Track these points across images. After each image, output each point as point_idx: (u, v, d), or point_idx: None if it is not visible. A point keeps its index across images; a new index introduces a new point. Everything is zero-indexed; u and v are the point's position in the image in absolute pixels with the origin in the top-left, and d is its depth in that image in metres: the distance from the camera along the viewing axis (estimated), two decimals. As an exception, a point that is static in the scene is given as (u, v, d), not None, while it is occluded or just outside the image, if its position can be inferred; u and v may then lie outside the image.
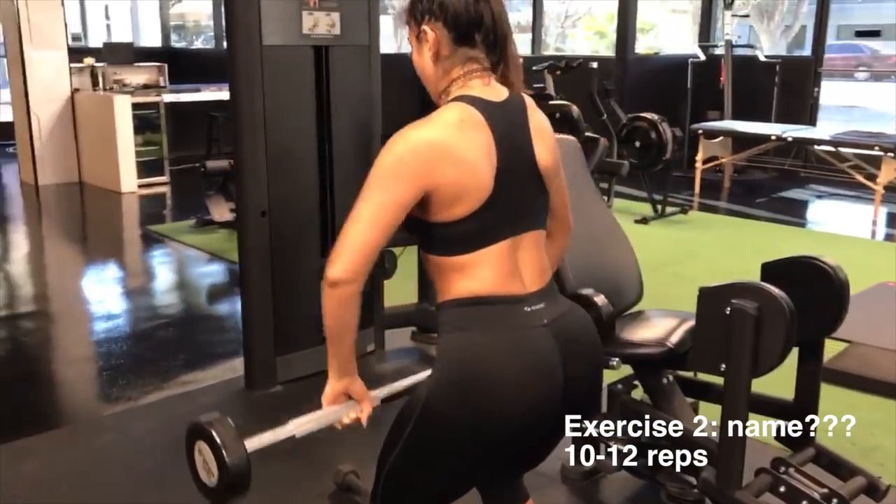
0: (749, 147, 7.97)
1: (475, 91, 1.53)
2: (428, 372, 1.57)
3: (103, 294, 5.10)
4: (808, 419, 2.45)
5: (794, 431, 2.46)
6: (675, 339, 2.42)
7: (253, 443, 1.48)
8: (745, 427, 2.16)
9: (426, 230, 1.51)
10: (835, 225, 6.91)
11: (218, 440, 1.42)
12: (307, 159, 3.40)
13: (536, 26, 10.00)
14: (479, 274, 1.51)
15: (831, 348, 3.60)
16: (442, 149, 1.45)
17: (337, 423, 1.61)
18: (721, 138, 7.94)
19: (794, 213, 7.25)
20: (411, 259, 3.35)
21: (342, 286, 1.44)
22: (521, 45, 11.18)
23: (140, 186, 7.85)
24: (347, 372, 1.57)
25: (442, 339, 1.53)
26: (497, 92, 1.56)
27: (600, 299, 2.04)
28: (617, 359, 2.44)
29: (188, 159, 7.74)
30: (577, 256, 2.59)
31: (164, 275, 5.69)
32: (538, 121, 1.60)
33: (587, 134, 5.36)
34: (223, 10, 3.30)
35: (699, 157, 7.80)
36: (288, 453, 2.84)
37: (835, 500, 2.21)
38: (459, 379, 1.49)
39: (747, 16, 9.89)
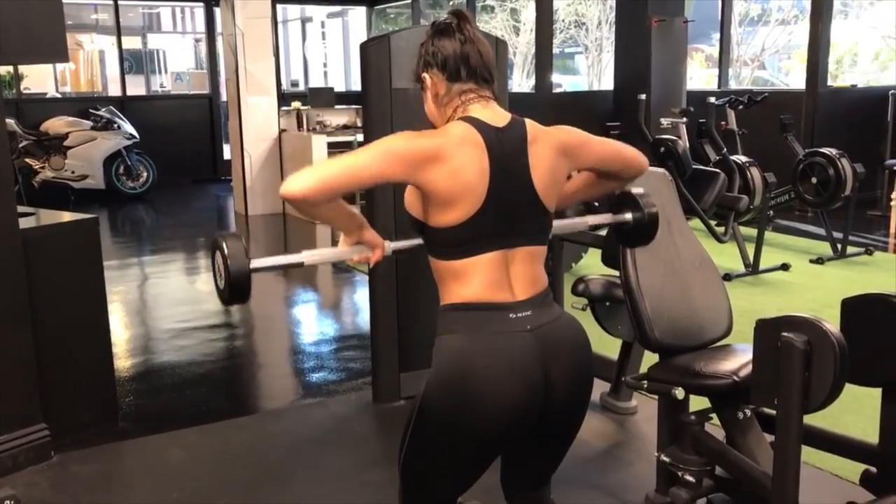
0: (958, 185, 7.30)
1: (476, 113, 1.72)
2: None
3: (273, 313, 5.66)
4: (891, 465, 2.34)
5: (878, 477, 2.37)
6: (743, 372, 2.39)
7: (258, 261, 1.68)
8: (796, 463, 2.12)
9: (427, 233, 1.72)
10: None
11: (227, 251, 1.63)
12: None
13: (723, 60, 9.74)
14: (470, 281, 1.68)
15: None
16: (441, 155, 1.64)
17: (348, 261, 1.81)
18: (923, 175, 7.34)
19: None
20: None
21: (296, 203, 1.56)
22: (713, 80, 10.91)
23: (333, 218, 8.54)
24: (353, 228, 1.74)
25: (436, 340, 1.72)
26: (499, 117, 1.74)
27: (646, 199, 2.10)
28: (680, 388, 2.46)
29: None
30: (655, 287, 2.64)
31: (332, 298, 6.20)
32: (539, 146, 1.73)
33: (702, 168, 5.23)
34: (359, 57, 3.66)
35: (895, 194, 7.25)
36: (393, 460, 3.11)
37: (905, 553, 2.10)
38: (446, 377, 1.67)
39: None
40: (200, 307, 5.72)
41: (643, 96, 6.36)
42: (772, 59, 15.86)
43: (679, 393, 2.45)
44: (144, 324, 5.38)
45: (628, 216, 2.12)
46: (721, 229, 5.89)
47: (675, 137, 5.54)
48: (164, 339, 4.86)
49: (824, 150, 6.20)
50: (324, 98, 9.54)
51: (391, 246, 1.83)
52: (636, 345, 3.47)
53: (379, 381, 3.76)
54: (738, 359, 2.51)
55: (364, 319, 5.40)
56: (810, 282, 5.76)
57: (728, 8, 9.86)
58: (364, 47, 3.58)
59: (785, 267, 5.92)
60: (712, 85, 10.68)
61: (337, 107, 9.64)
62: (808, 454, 2.20)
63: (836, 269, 6.11)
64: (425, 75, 1.78)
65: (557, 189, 1.78)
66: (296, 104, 9.28)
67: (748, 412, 2.52)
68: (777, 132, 6.99)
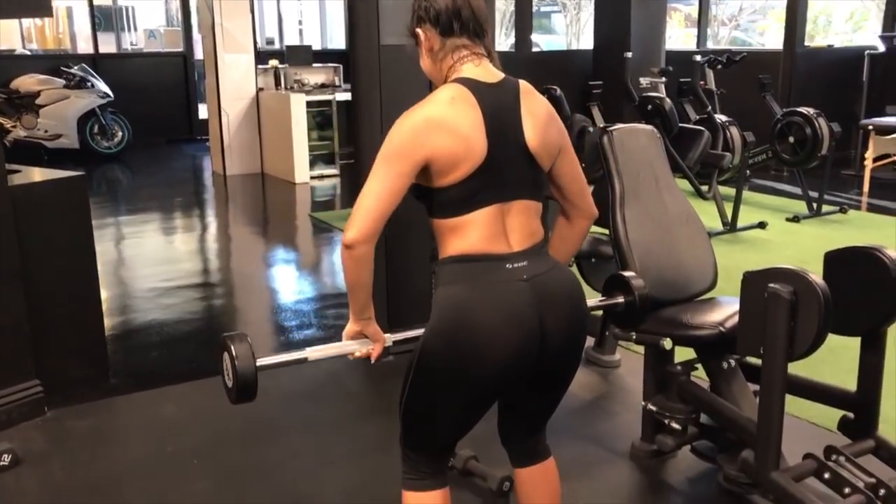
0: (930, 144, 7.43)
1: (467, 73, 1.75)
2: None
3: (259, 272, 5.70)
4: (869, 411, 2.45)
5: (855, 422, 2.47)
6: (729, 323, 2.48)
7: (264, 360, 1.75)
8: (781, 409, 2.21)
9: (429, 196, 1.75)
10: None
11: (234, 353, 1.70)
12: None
13: (702, 20, 9.77)
14: (468, 234, 1.73)
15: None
16: (437, 122, 1.68)
17: (350, 355, 1.86)
18: (897, 135, 7.46)
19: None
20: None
21: (357, 247, 1.68)
22: (692, 40, 10.94)
23: (312, 178, 8.53)
24: (364, 316, 1.81)
25: (436, 292, 1.77)
26: (490, 74, 1.77)
27: (636, 282, 2.17)
28: (668, 339, 2.54)
29: (359, 153, 8.28)
30: (643, 241, 2.71)
31: (316, 258, 6.22)
32: (531, 103, 1.78)
33: (687, 125, 5.31)
34: (346, 13, 3.65)
35: (869, 154, 7.37)
36: (383, 413, 3.19)
37: (882, 491, 2.20)
38: (446, 326, 1.72)
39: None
40: (182, 266, 5.73)
41: (630, 54, 6.38)
42: (748, 19, 15.89)
43: (667, 343, 2.53)
44: (128, 283, 5.37)
45: (620, 299, 2.19)
46: (705, 187, 5.98)
47: (662, 95, 5.59)
48: (148, 298, 4.87)
49: (802, 109, 6.27)
50: (301, 56, 9.42)
51: (391, 339, 1.89)
52: (621, 300, 3.54)
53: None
54: (724, 310, 2.59)
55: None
56: (787, 239, 5.88)
57: (707, -33, 9.86)
58: (352, 3, 3.58)
59: (762, 225, 6.03)
60: (691, 45, 10.73)
61: (315, 65, 9.54)
62: (788, 404, 2.28)
63: (812, 227, 6.24)
64: (419, 30, 1.80)
65: (550, 153, 1.81)
66: (273, 62, 9.17)
67: (732, 362, 2.61)
68: (754, 92, 7.06)
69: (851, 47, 9.24)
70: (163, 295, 4.93)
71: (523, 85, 1.80)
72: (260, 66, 8.98)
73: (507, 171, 1.73)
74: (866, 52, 8.35)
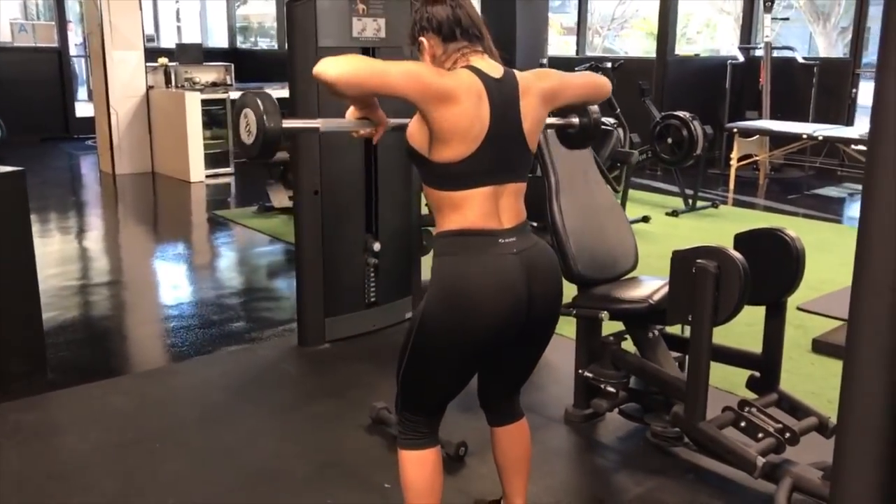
0: (784, 146, 8.25)
1: (476, 63, 1.99)
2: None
3: (173, 269, 5.72)
4: (772, 369, 2.86)
5: (761, 380, 2.89)
6: (656, 297, 2.84)
7: (287, 122, 1.94)
8: (707, 367, 2.58)
9: (426, 166, 1.98)
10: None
11: (262, 108, 1.84)
12: (355, 146, 3.89)
13: (581, 29, 10.37)
14: (465, 211, 1.98)
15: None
16: (455, 97, 1.90)
17: (354, 133, 2.13)
18: (757, 137, 8.24)
19: (824, 209, 7.50)
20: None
21: (324, 84, 1.81)
22: (569, 46, 11.55)
23: (207, 177, 8.50)
24: (366, 107, 2.07)
25: (435, 262, 2.02)
26: (494, 68, 2.01)
27: (593, 107, 2.40)
28: (605, 312, 2.88)
29: (252, 152, 8.31)
30: (577, 228, 3.03)
31: (228, 253, 6.28)
32: (530, 97, 2.02)
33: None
34: (285, 15, 3.82)
35: (734, 154, 8.10)
36: (331, 395, 3.39)
37: (787, 434, 2.60)
38: (446, 293, 1.97)
39: (787, 19, 10.10)
40: (90, 265, 5.69)
41: (544, 60, 6.78)
42: (612, 29, 16.80)
43: (605, 316, 2.87)
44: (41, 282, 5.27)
45: (575, 120, 2.42)
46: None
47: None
48: (65, 297, 4.82)
49: (679, 113, 6.85)
50: (192, 55, 9.33)
51: (391, 123, 2.15)
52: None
53: (304, 326, 3.98)
54: (649, 287, 2.96)
55: (267, 274, 5.58)
56: (669, 231, 6.43)
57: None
58: (290, 7, 3.74)
59: (646, 219, 6.56)
60: (568, 52, 11.32)
61: (206, 63, 9.46)
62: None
63: (689, 220, 6.84)
64: (422, 39, 2.02)
65: (539, 130, 2.09)
66: (162, 60, 9.05)
67: (657, 332, 2.98)
68: (631, 96, 7.62)
69: (715, 57, 10.07)
70: (78, 293, 4.90)
71: (520, 77, 2.03)
72: (149, 64, 8.85)
73: (503, 156, 1.98)
74: (728, 61, 9.14)
